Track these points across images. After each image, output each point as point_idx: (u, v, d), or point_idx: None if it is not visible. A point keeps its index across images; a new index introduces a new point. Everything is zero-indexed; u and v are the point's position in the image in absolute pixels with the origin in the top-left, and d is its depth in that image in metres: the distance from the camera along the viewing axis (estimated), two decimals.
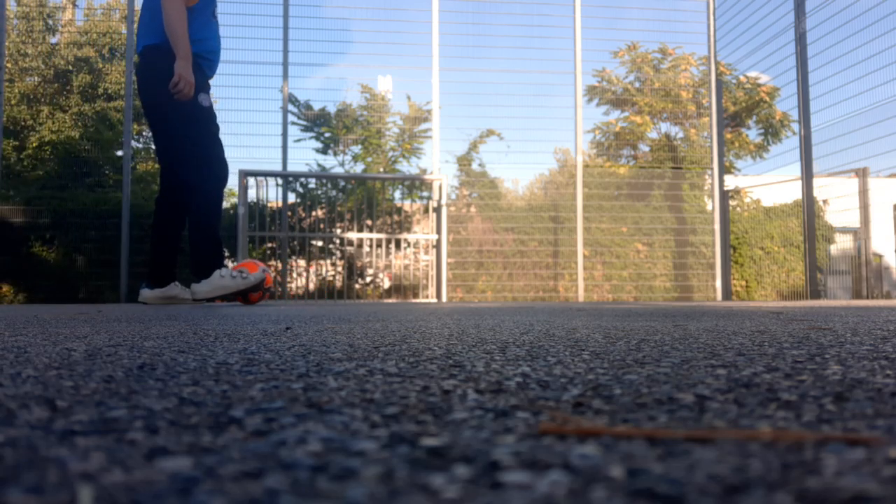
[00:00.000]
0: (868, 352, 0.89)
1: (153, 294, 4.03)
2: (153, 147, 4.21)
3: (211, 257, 3.92)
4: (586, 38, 8.49)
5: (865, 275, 7.86)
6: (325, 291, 7.81)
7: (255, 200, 7.51)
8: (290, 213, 7.99)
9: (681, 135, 9.46)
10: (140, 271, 7.35)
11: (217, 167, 4.01)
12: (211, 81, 4.15)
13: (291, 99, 8.24)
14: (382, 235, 7.75)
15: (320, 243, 8.16)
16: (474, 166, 8.78)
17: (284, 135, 8.00)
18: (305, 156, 10.57)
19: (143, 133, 8.85)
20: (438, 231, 7.55)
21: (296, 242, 8.05)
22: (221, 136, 4.12)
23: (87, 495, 0.28)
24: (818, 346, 0.97)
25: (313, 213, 8.22)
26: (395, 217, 8.16)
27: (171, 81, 3.77)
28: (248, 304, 4.18)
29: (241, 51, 8.08)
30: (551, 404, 0.51)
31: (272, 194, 7.91)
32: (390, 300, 7.81)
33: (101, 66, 8.77)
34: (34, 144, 8.38)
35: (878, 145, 6.86)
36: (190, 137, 3.91)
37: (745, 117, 9.78)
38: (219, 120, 4.14)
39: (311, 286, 7.92)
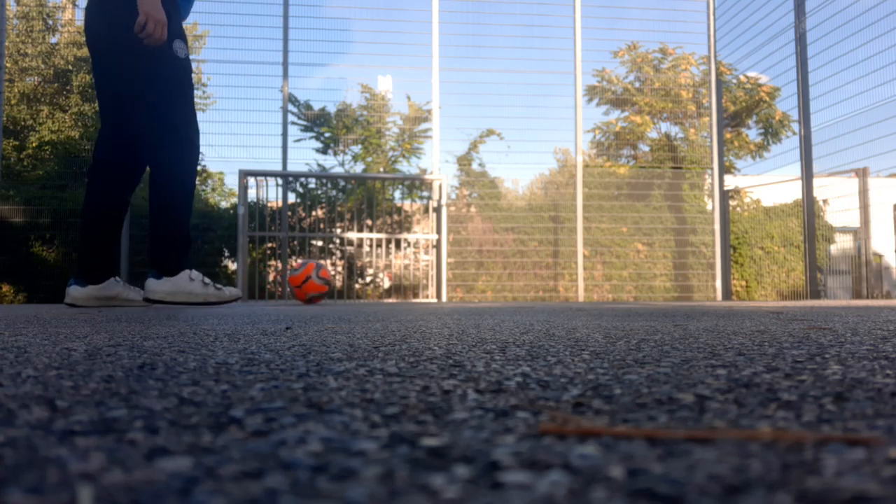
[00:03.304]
0: (868, 352, 0.89)
1: (86, 293, 3.20)
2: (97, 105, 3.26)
3: (180, 252, 3.17)
4: (586, 38, 8.49)
5: (865, 275, 7.86)
6: None
7: (255, 200, 7.51)
8: (290, 213, 7.99)
9: (681, 135, 9.46)
10: (140, 271, 7.36)
11: (193, 136, 3.22)
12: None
13: (291, 99, 8.25)
14: (382, 235, 7.75)
15: (320, 243, 8.16)
16: (474, 166, 8.79)
17: (284, 135, 8.01)
18: (305, 156, 10.59)
19: None
20: (438, 231, 7.55)
21: (296, 242, 8.05)
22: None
23: (87, 495, 0.28)
24: (818, 346, 0.97)
25: (313, 213, 8.22)
26: (395, 217, 8.16)
27: (136, 22, 2.96)
28: (308, 304, 4.26)
29: (241, 51, 8.09)
30: (551, 404, 0.51)
31: (272, 194, 7.91)
32: (390, 300, 7.81)
33: None
34: (34, 144, 8.38)
35: (878, 145, 6.87)
36: (161, 97, 3.11)
37: (745, 117, 9.78)
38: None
39: None
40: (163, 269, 3.14)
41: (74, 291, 3.20)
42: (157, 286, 3.13)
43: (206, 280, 3.25)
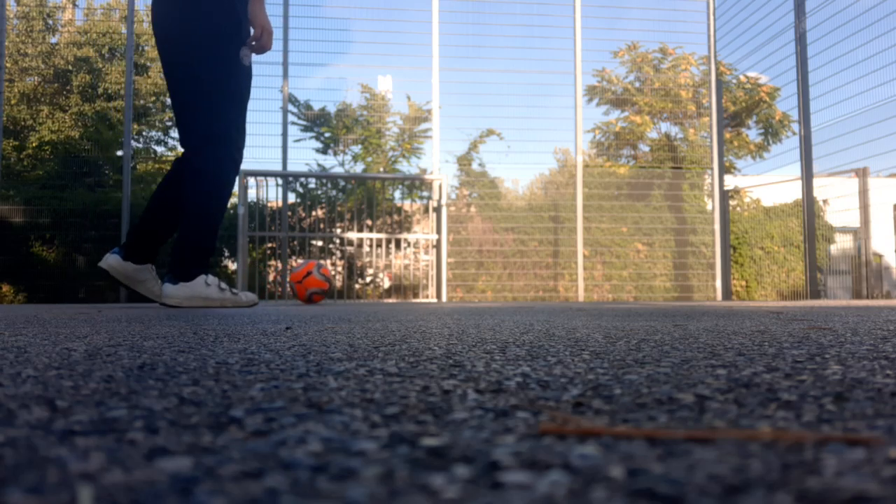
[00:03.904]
0: (868, 352, 0.89)
1: (123, 265, 3.21)
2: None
3: (200, 258, 3.18)
4: (586, 38, 8.49)
5: (865, 275, 7.86)
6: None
7: (255, 200, 7.51)
8: (290, 213, 7.99)
9: (681, 135, 9.46)
10: None
11: (240, 144, 3.27)
12: None
13: (291, 99, 8.25)
14: (382, 235, 7.75)
15: (320, 243, 8.16)
16: (474, 166, 8.79)
17: (284, 135, 8.01)
18: (305, 156, 10.61)
19: (143, 133, 8.85)
20: (438, 231, 7.55)
21: (296, 242, 8.05)
22: None
23: (87, 495, 0.28)
24: (818, 346, 0.97)
25: (313, 213, 8.22)
26: (395, 217, 8.16)
27: (252, 36, 3.09)
28: (308, 303, 4.30)
29: None
30: (551, 404, 0.51)
31: (272, 194, 7.92)
32: (390, 300, 7.81)
33: (100, 65, 8.77)
34: (34, 144, 8.38)
35: (878, 145, 6.87)
36: (219, 104, 3.14)
37: (745, 117, 9.78)
38: None
39: None
40: (180, 274, 3.15)
41: (113, 260, 3.20)
42: (174, 291, 3.14)
43: (223, 285, 3.25)
